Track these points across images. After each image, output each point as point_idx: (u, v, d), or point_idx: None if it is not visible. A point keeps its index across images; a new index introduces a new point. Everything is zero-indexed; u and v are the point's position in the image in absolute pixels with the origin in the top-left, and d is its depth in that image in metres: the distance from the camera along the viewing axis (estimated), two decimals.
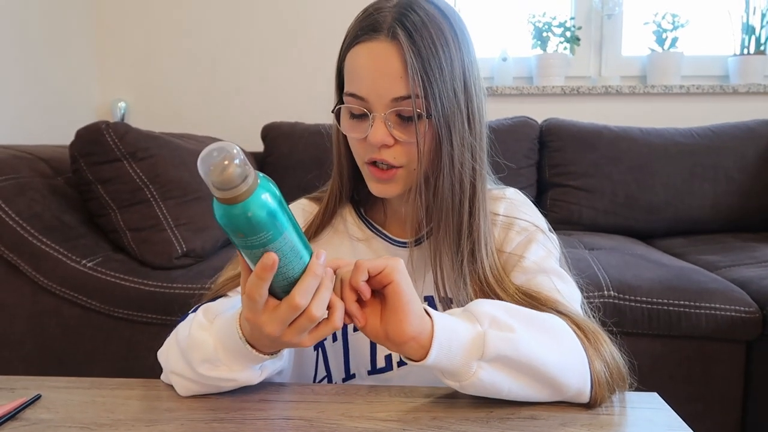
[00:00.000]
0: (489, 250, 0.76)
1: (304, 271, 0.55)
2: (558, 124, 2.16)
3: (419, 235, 0.83)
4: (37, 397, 0.68)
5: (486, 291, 0.74)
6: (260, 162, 2.19)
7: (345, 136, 0.79)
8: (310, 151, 2.08)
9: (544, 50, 2.44)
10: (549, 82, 2.42)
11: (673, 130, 2.12)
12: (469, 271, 0.75)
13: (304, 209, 0.88)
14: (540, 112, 2.27)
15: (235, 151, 0.48)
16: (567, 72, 2.46)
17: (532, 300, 0.72)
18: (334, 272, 0.59)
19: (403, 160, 0.74)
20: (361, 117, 0.74)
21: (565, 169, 2.09)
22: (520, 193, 0.87)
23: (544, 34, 2.42)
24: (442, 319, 0.60)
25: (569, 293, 0.74)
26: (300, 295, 0.55)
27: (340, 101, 0.77)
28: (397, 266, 0.59)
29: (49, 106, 2.18)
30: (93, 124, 1.48)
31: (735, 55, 2.40)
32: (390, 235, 0.84)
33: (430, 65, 0.69)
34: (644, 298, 1.37)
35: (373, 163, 0.75)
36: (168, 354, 0.70)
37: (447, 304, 0.77)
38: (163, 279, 1.42)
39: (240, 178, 0.48)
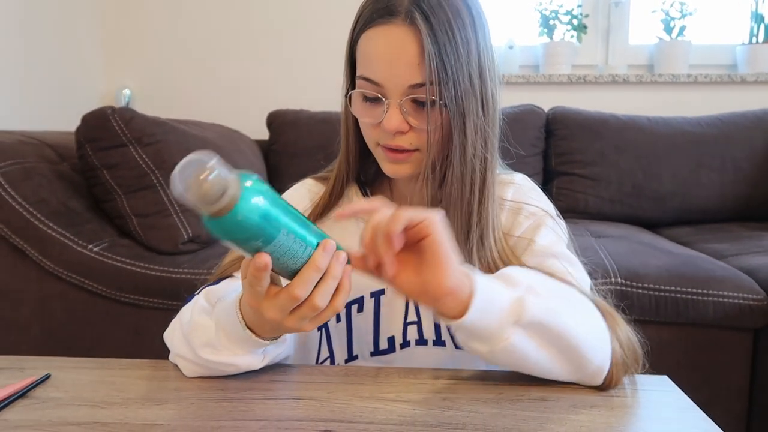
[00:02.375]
0: (497, 236, 0.76)
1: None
2: (564, 113, 2.15)
3: None
4: (47, 377, 0.68)
5: None
6: (265, 149, 2.18)
7: (355, 117, 0.78)
8: (315, 139, 2.07)
9: (551, 38, 2.42)
10: (555, 71, 2.41)
11: (680, 119, 2.10)
12: (478, 257, 0.74)
13: (309, 189, 0.87)
14: (546, 101, 2.26)
15: (209, 163, 0.44)
16: (574, 60, 2.45)
17: None
18: (369, 215, 0.58)
19: (418, 144, 0.73)
20: (374, 101, 0.73)
21: (571, 157, 2.08)
22: (529, 179, 0.86)
23: (551, 22, 2.40)
24: (482, 276, 0.59)
25: (580, 278, 0.74)
26: (299, 287, 0.54)
27: (352, 83, 0.76)
28: (437, 219, 0.55)
29: (54, 94, 2.18)
30: (99, 110, 1.47)
31: (743, 44, 2.38)
32: None
33: (446, 52, 0.68)
34: (651, 286, 1.36)
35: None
36: (173, 337, 0.70)
37: None
38: (169, 264, 1.42)
39: (220, 190, 0.44)
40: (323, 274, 0.54)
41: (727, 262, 1.51)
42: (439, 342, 0.79)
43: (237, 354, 0.64)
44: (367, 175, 0.87)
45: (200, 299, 0.68)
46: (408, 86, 0.70)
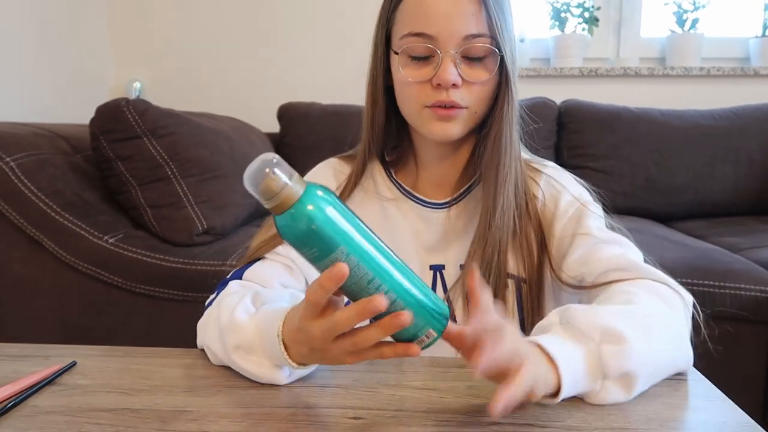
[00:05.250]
0: (519, 200, 0.78)
1: (374, 285, 0.49)
2: (577, 106, 2.14)
3: (454, 196, 0.82)
4: (73, 364, 0.68)
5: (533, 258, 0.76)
6: (276, 142, 2.18)
7: (384, 88, 0.78)
8: (326, 131, 2.07)
9: (562, 31, 2.41)
10: (567, 64, 2.40)
11: (693, 112, 2.09)
12: (516, 229, 0.76)
13: (334, 168, 0.87)
14: (557, 94, 2.25)
15: (274, 159, 0.47)
16: (585, 53, 2.43)
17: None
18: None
19: (469, 101, 0.74)
20: (424, 59, 0.73)
21: (583, 150, 2.07)
22: (559, 166, 0.86)
23: (563, 14, 2.39)
24: (558, 348, 0.55)
25: (635, 257, 0.73)
26: (349, 316, 0.50)
27: (386, 51, 0.77)
28: (528, 367, 0.51)
29: (65, 87, 2.18)
30: (113, 101, 1.47)
31: (756, 36, 2.36)
32: (422, 197, 0.83)
33: (500, 6, 0.71)
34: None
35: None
36: (206, 327, 0.69)
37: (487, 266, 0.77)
38: (184, 256, 1.43)
39: (277, 187, 0.46)
40: (380, 322, 0.50)
41: (743, 255, 1.50)
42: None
43: (264, 365, 0.61)
44: (390, 156, 0.87)
45: (246, 299, 0.66)
46: (463, 37, 0.71)
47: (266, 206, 0.48)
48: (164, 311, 1.43)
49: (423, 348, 0.52)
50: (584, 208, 0.78)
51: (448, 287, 0.80)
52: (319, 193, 0.48)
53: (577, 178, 0.85)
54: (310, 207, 0.46)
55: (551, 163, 0.85)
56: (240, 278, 0.76)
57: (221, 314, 0.66)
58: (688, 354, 0.64)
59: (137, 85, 2.48)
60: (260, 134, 2.10)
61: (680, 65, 2.36)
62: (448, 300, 0.79)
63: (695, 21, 2.37)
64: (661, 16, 2.44)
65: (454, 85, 0.72)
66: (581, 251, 0.74)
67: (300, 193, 0.47)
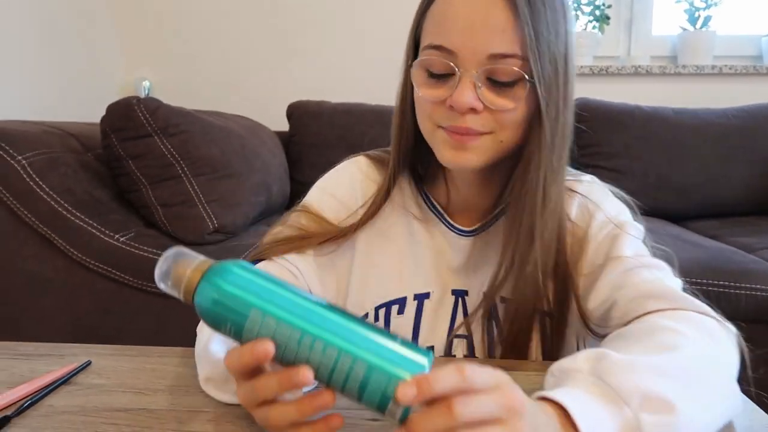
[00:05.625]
0: (560, 245, 0.69)
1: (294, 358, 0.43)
2: (588, 104, 2.13)
3: (481, 224, 0.76)
4: (88, 363, 0.68)
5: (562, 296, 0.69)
6: (286, 141, 2.17)
7: (413, 98, 0.69)
8: (336, 130, 2.06)
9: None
10: (577, 62, 2.37)
11: (706, 111, 2.07)
12: (544, 267, 0.67)
13: (361, 170, 0.79)
14: None
15: (173, 253, 0.47)
16: (596, 51, 2.42)
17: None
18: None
19: (492, 127, 0.64)
20: (442, 77, 0.64)
21: (595, 149, 2.06)
22: (597, 180, 0.77)
23: (573, 12, 2.37)
24: (586, 423, 0.44)
25: (671, 284, 0.64)
26: (264, 385, 0.44)
27: (415, 57, 0.68)
28: None
29: (73, 86, 2.18)
30: (124, 99, 1.47)
31: None
32: (452, 222, 0.77)
33: (540, 20, 0.60)
34: (682, 279, 1.34)
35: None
36: (200, 332, 0.66)
37: (504, 303, 0.72)
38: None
39: (179, 278, 0.46)
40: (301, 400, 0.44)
41: (758, 255, 1.49)
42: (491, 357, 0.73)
43: (236, 400, 0.54)
44: (422, 169, 0.78)
45: None
46: (487, 56, 0.61)
47: (180, 298, 0.47)
48: (174, 310, 1.43)
49: (401, 417, 0.41)
50: (619, 230, 0.69)
51: (470, 314, 0.75)
52: (223, 267, 0.46)
53: (617, 193, 0.76)
54: (208, 284, 0.45)
55: (588, 178, 0.76)
56: None
57: (201, 337, 0.63)
58: (737, 401, 0.53)
59: (146, 83, 2.48)
60: (270, 133, 2.10)
61: (692, 63, 2.34)
62: (467, 326, 0.74)
63: (707, 19, 2.35)
64: (673, 13, 2.42)
65: (473, 110, 0.63)
66: (613, 276, 0.66)
67: (198, 277, 0.46)
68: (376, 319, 0.77)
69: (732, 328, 0.59)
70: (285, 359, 0.43)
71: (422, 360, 0.42)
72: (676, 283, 0.65)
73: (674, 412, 0.45)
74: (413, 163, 0.77)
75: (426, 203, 0.78)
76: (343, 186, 0.79)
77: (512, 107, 0.63)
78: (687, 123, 2.02)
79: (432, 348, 0.75)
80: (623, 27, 2.45)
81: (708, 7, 2.34)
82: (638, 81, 2.40)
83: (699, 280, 1.34)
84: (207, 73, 2.50)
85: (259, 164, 1.73)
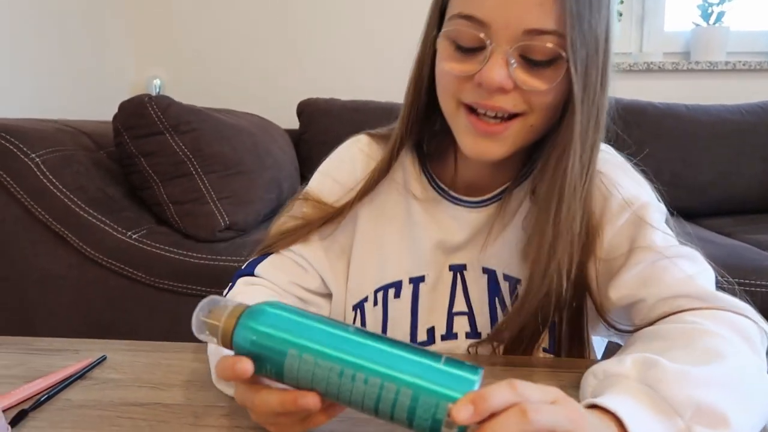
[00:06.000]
0: (580, 232, 0.64)
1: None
2: None
3: (493, 194, 0.72)
4: (103, 358, 0.68)
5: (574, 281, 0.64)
6: (296, 139, 2.18)
7: (431, 74, 0.65)
8: (346, 128, 2.01)
9: None
10: None
11: (720, 107, 2.05)
12: (555, 259, 0.62)
13: (362, 150, 0.76)
14: None
15: (202, 304, 0.48)
16: (613, 55, 2.40)
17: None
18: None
19: (523, 107, 0.59)
20: (471, 51, 0.59)
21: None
22: (613, 150, 0.72)
23: None
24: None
25: (705, 279, 0.61)
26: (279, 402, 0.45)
27: (438, 31, 0.62)
28: None
29: (84, 84, 2.20)
30: (136, 97, 1.48)
31: None
32: (457, 196, 0.73)
33: None
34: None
35: (473, 111, 0.61)
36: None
37: (513, 283, 0.70)
38: (207, 252, 1.43)
39: (214, 328, 0.47)
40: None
41: None
42: (498, 339, 0.69)
43: None
44: (429, 147, 0.75)
45: None
46: (523, 31, 0.56)
47: (221, 346, 0.47)
48: (187, 306, 1.42)
49: None
50: (641, 214, 0.64)
51: (469, 290, 0.73)
52: (257, 309, 0.46)
53: (633, 166, 0.71)
54: (243, 329, 0.45)
55: (606, 149, 0.70)
56: (252, 273, 0.74)
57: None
58: None
59: (157, 81, 2.49)
60: (280, 131, 2.10)
61: (705, 60, 2.32)
62: (469, 305, 0.72)
63: (720, 14, 2.32)
64: (685, 9, 2.40)
65: (502, 89, 0.58)
66: (640, 269, 0.61)
67: (234, 322, 0.46)
68: (375, 302, 0.74)
69: (766, 327, 0.57)
70: (329, 394, 0.43)
71: (470, 377, 0.40)
72: (709, 277, 0.62)
73: (727, 424, 0.44)
74: (419, 140, 0.74)
75: (430, 183, 0.75)
76: (344, 169, 0.77)
77: (545, 89, 0.58)
78: (700, 119, 2.00)
79: (432, 329, 0.73)
80: (635, 23, 2.43)
81: (721, 2, 2.32)
82: (651, 77, 2.38)
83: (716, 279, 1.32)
84: (217, 71, 2.50)
85: (270, 161, 1.73)
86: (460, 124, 0.63)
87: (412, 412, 0.40)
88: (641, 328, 0.60)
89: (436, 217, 0.74)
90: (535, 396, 0.39)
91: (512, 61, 0.57)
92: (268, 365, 0.44)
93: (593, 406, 0.45)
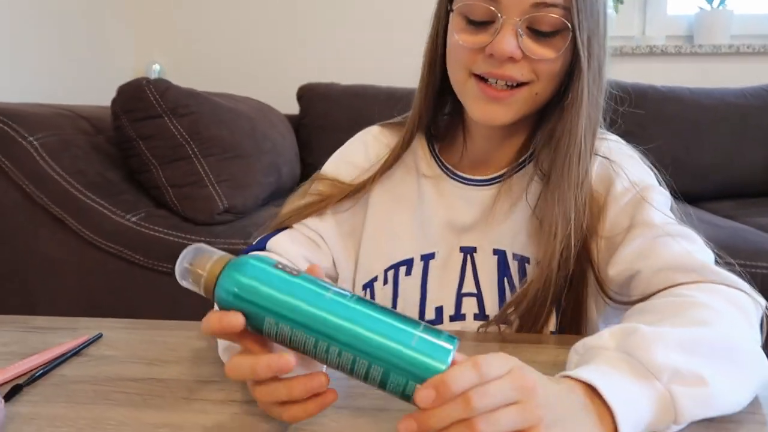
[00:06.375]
0: (584, 211, 0.66)
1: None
2: None
3: (501, 173, 0.74)
4: (99, 336, 0.68)
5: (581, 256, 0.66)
6: (296, 124, 2.17)
7: (444, 50, 0.69)
8: (346, 112, 2.05)
9: None
10: None
11: (723, 90, 2.04)
12: (567, 229, 0.64)
13: (375, 137, 0.80)
14: None
15: (192, 248, 0.47)
16: (610, 31, 2.36)
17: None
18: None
19: (531, 77, 0.64)
20: (482, 24, 0.64)
21: (608, 130, 2.02)
22: (623, 141, 0.75)
23: None
24: (618, 400, 0.42)
25: (703, 256, 0.61)
26: (261, 365, 0.44)
27: (448, 9, 0.67)
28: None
29: (84, 70, 2.19)
30: (134, 80, 1.47)
31: None
32: (463, 174, 0.76)
33: None
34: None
35: (483, 80, 0.65)
36: None
37: (522, 262, 0.71)
38: (206, 234, 1.43)
39: (198, 276, 0.46)
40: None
41: None
42: (505, 321, 0.69)
43: None
44: (438, 129, 0.79)
45: None
46: (531, 4, 0.61)
47: (201, 293, 0.47)
48: (186, 290, 1.43)
49: None
50: (644, 195, 0.66)
51: (479, 272, 0.73)
52: (242, 262, 0.45)
53: (642, 157, 0.74)
54: (228, 279, 0.45)
55: (612, 137, 0.74)
56: (263, 248, 0.74)
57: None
58: (766, 375, 0.50)
59: (156, 67, 2.48)
60: (280, 115, 2.09)
61: (709, 43, 2.30)
62: (477, 287, 0.73)
63: None
64: None
65: (511, 59, 0.62)
66: (638, 243, 0.63)
67: (218, 271, 0.45)
68: (386, 281, 0.75)
69: (761, 301, 0.57)
70: (307, 353, 0.44)
71: (442, 354, 0.41)
72: (707, 255, 0.62)
73: (707, 384, 0.45)
74: (428, 124, 0.77)
75: (437, 162, 0.78)
76: (358, 153, 0.80)
77: (552, 57, 0.63)
78: (703, 103, 1.99)
79: (440, 308, 0.74)
80: (638, 6, 2.41)
81: None
82: (653, 61, 2.36)
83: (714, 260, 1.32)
84: (217, 56, 2.49)
85: (269, 146, 1.73)
86: (469, 92, 0.67)
87: (383, 385, 0.42)
88: (639, 301, 0.60)
89: (444, 196, 0.76)
90: (495, 372, 0.39)
91: (521, 33, 0.62)
92: (248, 320, 0.44)
93: (567, 378, 0.45)
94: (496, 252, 0.73)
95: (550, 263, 0.64)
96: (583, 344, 0.51)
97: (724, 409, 0.47)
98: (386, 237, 0.77)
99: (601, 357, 0.47)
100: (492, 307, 0.72)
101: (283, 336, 0.43)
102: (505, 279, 0.72)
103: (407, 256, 0.76)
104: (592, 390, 0.43)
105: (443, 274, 0.74)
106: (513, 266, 0.72)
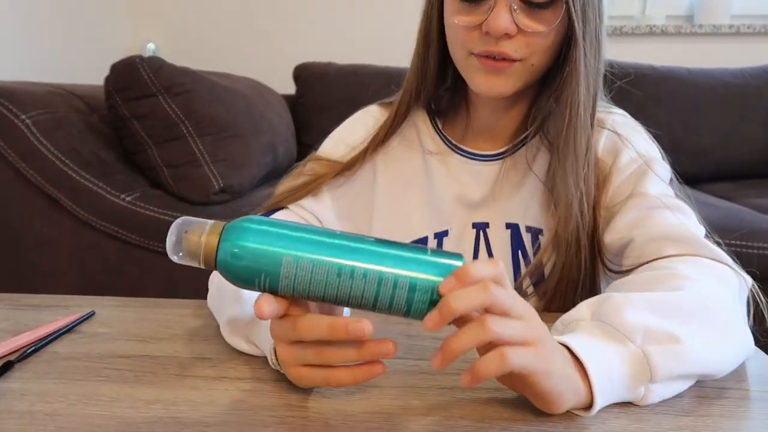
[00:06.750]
0: (592, 177, 0.68)
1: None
2: None
3: (508, 147, 0.75)
4: (92, 314, 0.67)
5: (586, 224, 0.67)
6: (292, 103, 2.15)
7: (439, 29, 0.70)
8: (343, 92, 2.03)
9: None
10: None
11: (723, 71, 2.02)
12: (579, 196, 0.66)
13: (373, 116, 0.80)
14: None
15: (180, 223, 0.45)
16: (609, 11, 2.34)
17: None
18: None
19: (525, 53, 0.65)
20: (475, 2, 0.64)
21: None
22: (629, 116, 0.76)
23: None
24: (591, 360, 0.44)
25: (696, 230, 0.62)
26: (303, 319, 0.44)
27: None
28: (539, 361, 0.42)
29: (78, 48, 2.16)
30: (128, 58, 1.46)
31: None
32: (470, 150, 0.76)
33: None
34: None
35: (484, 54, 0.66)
36: (212, 283, 0.67)
37: (534, 233, 0.71)
38: (201, 214, 1.40)
39: (195, 246, 0.44)
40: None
41: None
42: (521, 293, 0.69)
43: (255, 351, 0.56)
44: (439, 105, 0.79)
45: None
46: None
47: (200, 266, 0.45)
48: (182, 269, 1.42)
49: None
50: (647, 167, 0.68)
51: (492, 247, 0.74)
52: (239, 226, 0.44)
53: (647, 132, 0.75)
54: (230, 244, 0.43)
55: (618, 111, 0.75)
56: None
57: (219, 284, 0.63)
58: (748, 342, 0.52)
59: (151, 46, 2.46)
60: (276, 95, 2.07)
61: (709, 23, 2.28)
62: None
63: None
64: None
65: (507, 35, 0.63)
66: (634, 213, 0.65)
67: (216, 240, 0.44)
68: None
69: (747, 278, 0.57)
70: (327, 296, 0.43)
71: (457, 258, 0.44)
72: (698, 229, 0.63)
73: (680, 342, 0.46)
74: (430, 95, 0.77)
75: (440, 137, 0.78)
76: (356, 132, 0.80)
77: (546, 30, 0.63)
78: (702, 83, 1.97)
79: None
80: None
81: None
82: (653, 41, 2.34)
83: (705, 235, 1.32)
84: (213, 35, 2.46)
85: (265, 125, 1.71)
86: (471, 66, 0.68)
87: (410, 300, 0.43)
88: (629, 271, 0.62)
89: (451, 172, 0.77)
90: (514, 306, 0.42)
91: (515, 8, 0.63)
92: (262, 276, 0.43)
93: None
94: (508, 226, 0.74)
95: (565, 230, 0.66)
96: (561, 321, 0.53)
97: (701, 367, 0.48)
98: (398, 217, 0.77)
99: (579, 329, 0.49)
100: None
101: (304, 276, 0.43)
102: (519, 252, 0.74)
103: (421, 235, 0.76)
104: (571, 353, 0.45)
105: (457, 251, 0.74)
106: (526, 238, 0.73)
